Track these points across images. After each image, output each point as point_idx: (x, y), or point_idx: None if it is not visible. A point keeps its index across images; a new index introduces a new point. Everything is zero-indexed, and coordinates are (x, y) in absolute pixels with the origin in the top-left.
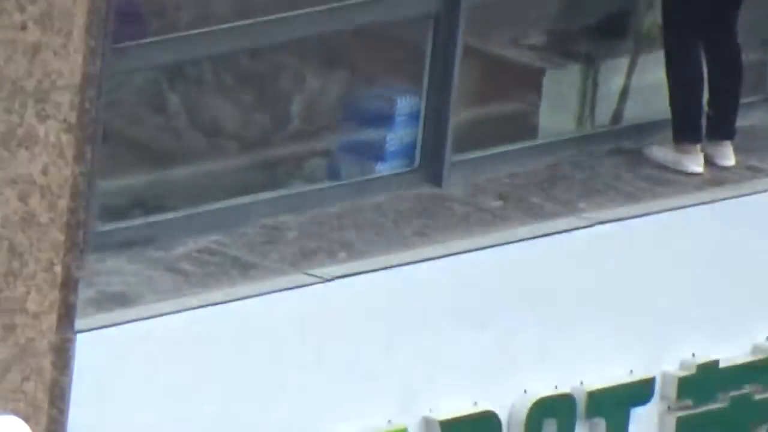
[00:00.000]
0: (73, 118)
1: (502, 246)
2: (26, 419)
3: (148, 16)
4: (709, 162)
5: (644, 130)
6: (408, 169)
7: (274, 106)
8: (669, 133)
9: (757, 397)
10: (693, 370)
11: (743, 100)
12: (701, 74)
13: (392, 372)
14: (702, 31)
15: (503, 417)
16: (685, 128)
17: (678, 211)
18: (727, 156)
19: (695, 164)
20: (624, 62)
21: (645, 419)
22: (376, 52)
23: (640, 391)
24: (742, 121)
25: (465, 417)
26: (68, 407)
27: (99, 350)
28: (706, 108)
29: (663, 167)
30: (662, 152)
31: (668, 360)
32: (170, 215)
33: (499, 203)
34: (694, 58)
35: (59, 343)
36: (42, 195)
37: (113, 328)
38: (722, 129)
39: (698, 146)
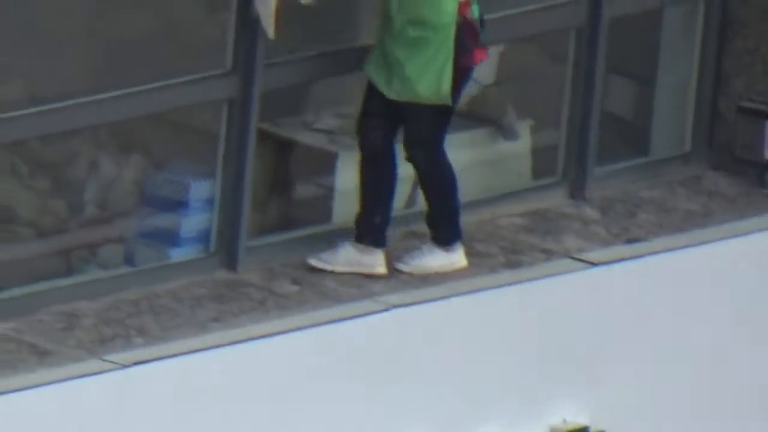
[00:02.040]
0: None
1: (299, 331)
2: None
3: None
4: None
5: None
6: (204, 254)
7: (69, 192)
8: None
9: None
10: None
11: (538, 183)
12: None
13: None
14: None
15: None
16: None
17: (474, 294)
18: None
19: None
20: None
21: None
22: (170, 137)
23: None
24: (537, 203)
25: None
26: None
27: None
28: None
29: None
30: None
31: None
32: None
33: (295, 288)
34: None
35: None
36: None
37: None
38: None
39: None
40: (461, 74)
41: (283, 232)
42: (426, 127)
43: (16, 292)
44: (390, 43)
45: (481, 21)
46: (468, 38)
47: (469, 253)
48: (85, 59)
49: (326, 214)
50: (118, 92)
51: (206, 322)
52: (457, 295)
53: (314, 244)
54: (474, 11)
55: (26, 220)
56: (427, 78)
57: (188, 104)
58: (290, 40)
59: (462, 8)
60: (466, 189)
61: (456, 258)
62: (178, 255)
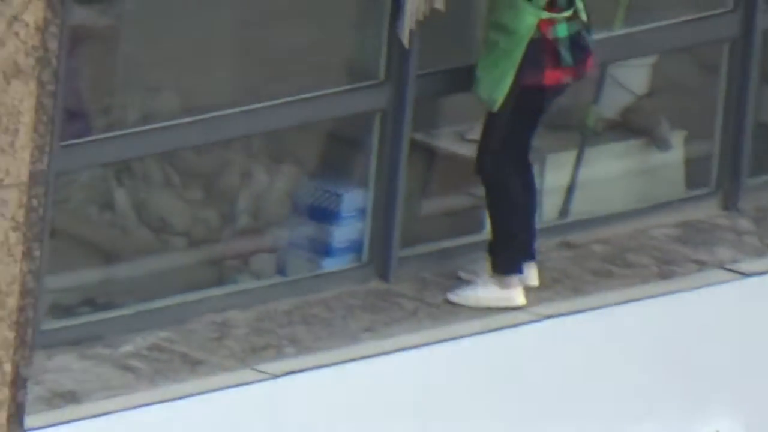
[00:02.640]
0: (20, 216)
1: (451, 341)
2: None
3: (95, 113)
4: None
5: (591, 224)
6: (356, 264)
7: (222, 202)
8: (603, 233)
9: None
10: None
11: (691, 194)
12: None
13: None
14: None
15: None
16: (527, 250)
17: (625, 304)
18: (534, 276)
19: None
20: (571, 156)
21: None
22: (322, 147)
23: None
24: (690, 214)
25: None
26: None
27: None
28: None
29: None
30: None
31: None
32: (119, 312)
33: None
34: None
35: None
36: None
37: (64, 426)
38: (531, 250)
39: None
40: (528, 91)
41: (435, 242)
42: (496, 133)
43: (169, 301)
44: (481, 44)
45: (573, 42)
46: (542, 56)
47: (622, 264)
48: (238, 70)
49: (478, 225)
50: (271, 103)
51: (358, 333)
52: (610, 305)
53: (466, 255)
54: (559, 30)
55: (179, 229)
56: (487, 81)
57: (341, 114)
58: (443, 51)
59: (542, 25)
60: (619, 199)
61: (511, 295)
62: (330, 265)
